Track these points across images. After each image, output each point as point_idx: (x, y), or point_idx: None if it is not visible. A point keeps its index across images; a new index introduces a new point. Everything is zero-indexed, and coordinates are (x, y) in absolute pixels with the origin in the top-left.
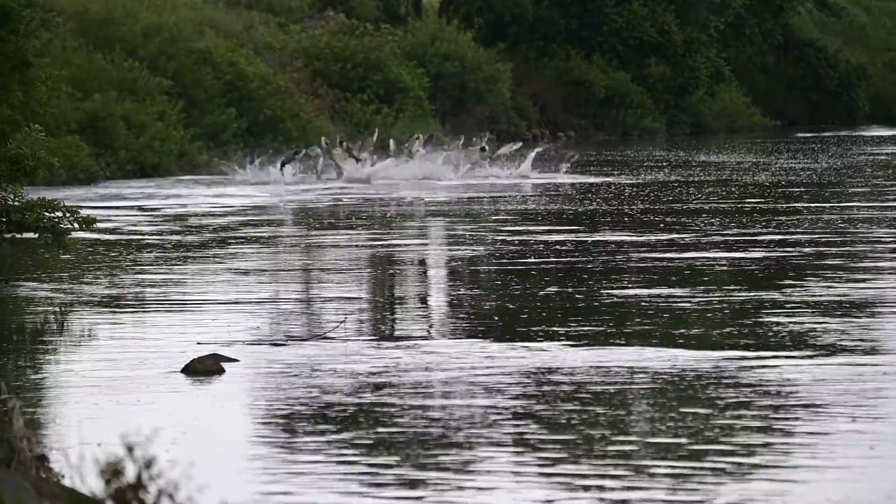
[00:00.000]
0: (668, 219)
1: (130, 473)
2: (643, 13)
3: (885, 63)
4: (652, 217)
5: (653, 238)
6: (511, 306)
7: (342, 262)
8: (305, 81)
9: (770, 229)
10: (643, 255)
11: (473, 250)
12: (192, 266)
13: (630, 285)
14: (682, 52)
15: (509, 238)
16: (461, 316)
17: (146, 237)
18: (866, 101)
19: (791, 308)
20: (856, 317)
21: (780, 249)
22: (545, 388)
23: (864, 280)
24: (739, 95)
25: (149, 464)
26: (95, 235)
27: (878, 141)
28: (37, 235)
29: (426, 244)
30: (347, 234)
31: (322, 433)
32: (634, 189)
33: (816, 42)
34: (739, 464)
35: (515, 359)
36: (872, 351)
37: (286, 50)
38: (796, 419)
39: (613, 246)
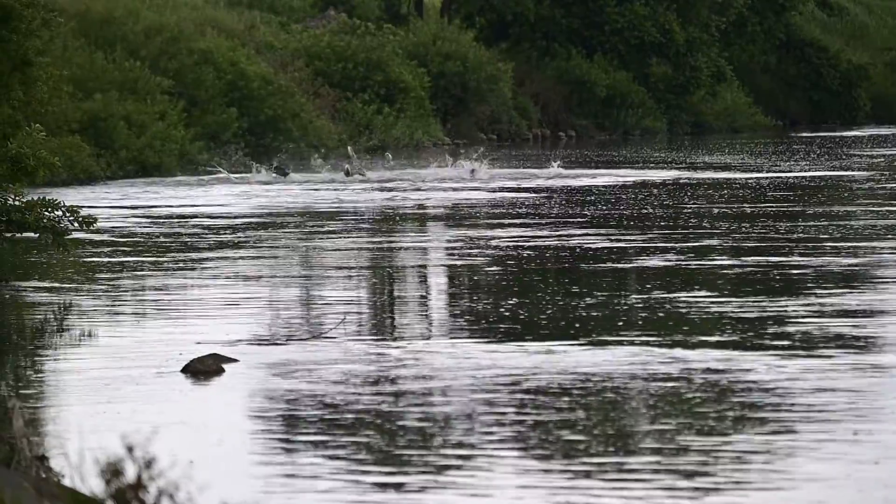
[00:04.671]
0: (670, 221)
1: (130, 473)
2: (645, 13)
3: (886, 63)
4: (655, 219)
5: (657, 240)
6: (514, 308)
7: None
8: (307, 81)
9: (777, 233)
10: (645, 257)
11: (476, 253)
12: (192, 266)
13: (633, 287)
14: (683, 52)
15: (510, 239)
16: (461, 316)
17: (146, 237)
18: (868, 100)
19: (796, 313)
20: (862, 323)
21: (786, 253)
22: (546, 389)
23: (873, 286)
24: (741, 95)
25: (149, 464)
26: (95, 236)
27: (879, 141)
28: (37, 235)
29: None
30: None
31: (322, 433)
32: (635, 190)
33: (818, 42)
34: (740, 468)
35: (516, 360)
36: (878, 356)
37: (287, 49)
38: (799, 425)
39: (615, 248)
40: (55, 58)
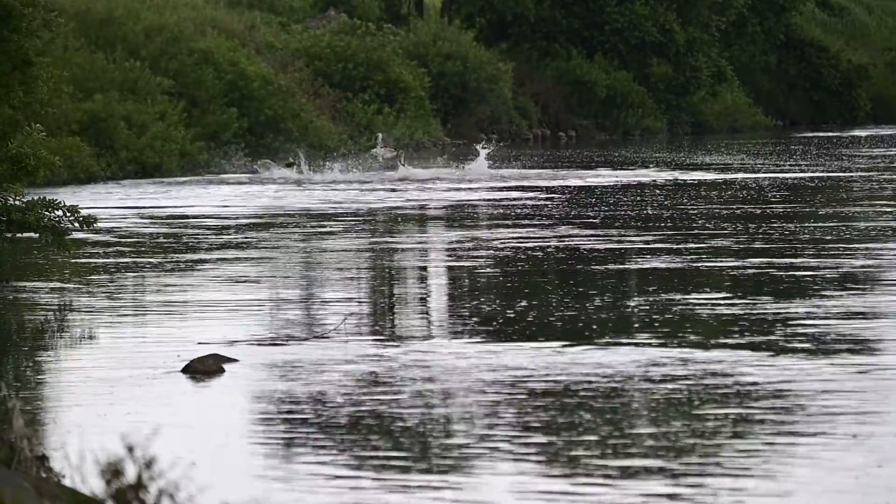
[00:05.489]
0: (673, 222)
1: (131, 473)
2: (645, 12)
3: (886, 63)
4: (657, 220)
5: (660, 241)
6: (521, 310)
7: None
8: (307, 81)
9: (781, 234)
10: (649, 258)
11: (476, 252)
12: (192, 266)
13: (638, 288)
14: (683, 52)
15: (513, 240)
16: (465, 317)
17: (146, 237)
18: (868, 100)
19: (804, 314)
20: (867, 325)
21: (791, 254)
22: (551, 391)
23: (879, 288)
24: (741, 95)
25: (149, 464)
26: (95, 236)
27: (879, 141)
28: (37, 235)
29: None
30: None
31: (322, 433)
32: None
33: (818, 42)
34: (741, 471)
35: (521, 361)
36: (882, 358)
37: (288, 50)
38: (801, 427)
39: (620, 249)
40: (55, 58)
